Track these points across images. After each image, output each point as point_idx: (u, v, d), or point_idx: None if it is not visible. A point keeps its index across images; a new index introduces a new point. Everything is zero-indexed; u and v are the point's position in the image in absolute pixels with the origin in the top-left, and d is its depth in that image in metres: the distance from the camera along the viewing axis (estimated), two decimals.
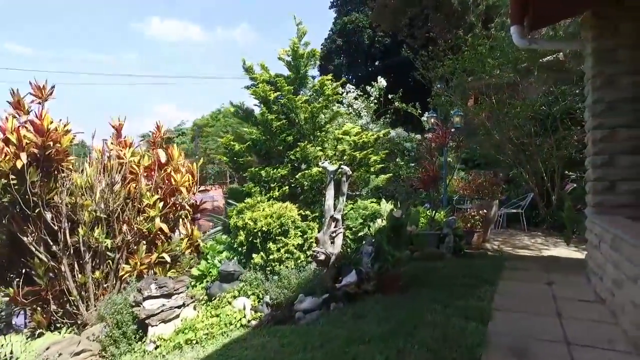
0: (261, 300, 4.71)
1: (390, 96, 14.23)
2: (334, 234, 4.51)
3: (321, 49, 28.48)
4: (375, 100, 15.46)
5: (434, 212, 6.48)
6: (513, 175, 10.27)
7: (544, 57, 9.59)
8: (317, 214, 5.93)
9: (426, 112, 11.84)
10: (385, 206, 6.17)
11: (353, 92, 15.88)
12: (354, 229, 5.48)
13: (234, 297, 4.88)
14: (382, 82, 14.85)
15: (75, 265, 5.67)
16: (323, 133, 6.46)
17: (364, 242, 4.48)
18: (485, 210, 6.76)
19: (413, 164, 13.56)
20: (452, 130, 12.06)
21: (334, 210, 4.55)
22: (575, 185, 5.53)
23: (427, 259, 6.03)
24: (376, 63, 26.78)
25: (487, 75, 9.01)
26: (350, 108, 15.83)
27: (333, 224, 4.50)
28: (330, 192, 4.37)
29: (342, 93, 16.50)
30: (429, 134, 10.39)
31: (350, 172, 4.43)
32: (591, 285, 4.25)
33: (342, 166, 4.61)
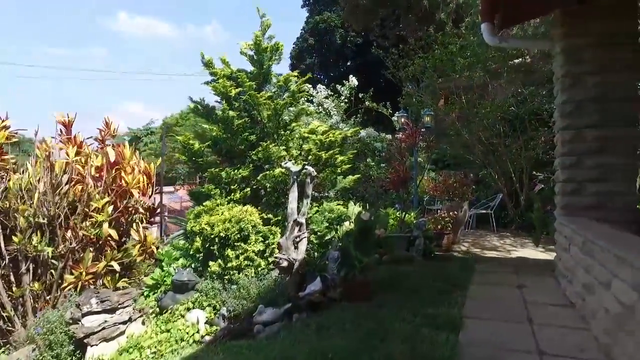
0: (217, 313, 4.39)
1: (360, 95, 14.13)
2: (297, 239, 4.28)
3: (293, 48, 28.34)
4: (346, 100, 15.35)
5: (403, 213, 6.36)
6: (483, 176, 10.37)
7: (513, 60, 9.74)
8: (280, 218, 5.66)
9: (397, 112, 11.83)
10: (354, 208, 6.00)
11: (324, 91, 15.69)
12: (319, 233, 5.24)
13: (188, 309, 4.53)
14: (353, 81, 14.74)
15: (12, 277, 5.16)
16: (288, 132, 6.18)
17: (329, 247, 4.27)
18: (455, 212, 6.71)
19: (384, 165, 13.52)
20: (423, 130, 12.09)
21: (298, 214, 4.31)
22: (543, 186, 5.56)
23: (397, 263, 5.90)
24: (348, 63, 26.78)
25: (458, 75, 9.03)
26: (320, 107, 15.65)
27: (297, 228, 4.27)
28: (293, 194, 4.13)
29: (311, 91, 16.33)
30: (399, 134, 10.35)
31: (315, 173, 4.21)
32: (561, 289, 4.21)
33: (306, 167, 4.37)
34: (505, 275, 5.12)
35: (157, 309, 4.85)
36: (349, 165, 6.37)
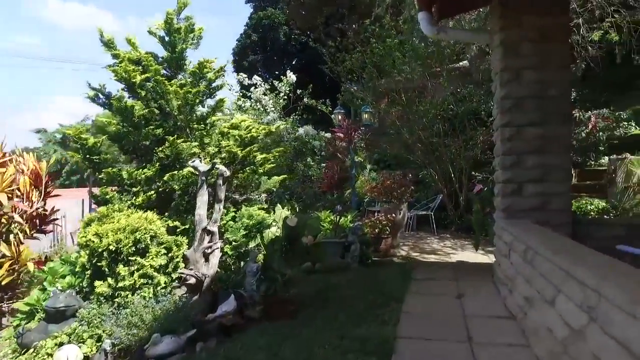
0: (100, 347, 3.61)
1: (299, 91, 13.69)
2: (208, 251, 3.68)
3: (236, 44, 27.67)
4: (285, 97, 14.85)
5: (338, 217, 5.95)
6: (423, 176, 10.33)
7: (453, 64, 9.81)
8: (189, 226, 4.97)
9: (335, 109, 11.51)
10: (281, 212, 5.48)
11: (262, 87, 15.07)
12: (235, 242, 4.65)
13: (60, 344, 3.70)
14: (291, 77, 14.26)
15: None
16: (203, 126, 5.48)
17: (248, 258, 3.73)
18: (393, 214, 6.44)
19: (324, 164, 13.20)
20: (363, 128, 11.90)
21: (209, 221, 3.72)
22: (482, 186, 5.45)
23: (331, 272, 5.49)
24: (294, 62, 26.33)
25: (397, 71, 8.85)
26: (258, 104, 15.01)
27: (207, 238, 3.66)
28: (202, 198, 3.53)
29: (246, 84, 15.65)
30: (335, 131, 9.97)
31: (228, 173, 3.63)
32: (501, 297, 3.98)
33: (217, 166, 3.77)
34: (444, 283, 4.86)
35: (18, 348, 3.89)
36: (272, 165, 5.79)
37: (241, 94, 15.15)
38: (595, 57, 6.69)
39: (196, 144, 5.12)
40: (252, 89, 15.24)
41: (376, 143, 12.25)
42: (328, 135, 12.05)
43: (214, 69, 5.27)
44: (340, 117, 8.07)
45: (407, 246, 7.65)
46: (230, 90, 15.34)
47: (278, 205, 6.01)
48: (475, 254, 6.60)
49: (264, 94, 14.98)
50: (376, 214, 6.61)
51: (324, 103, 13.33)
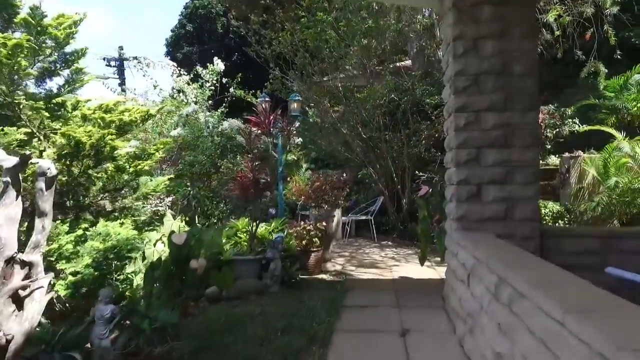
0: None
1: (225, 80, 12.33)
2: (24, 292, 2.40)
3: (170, 35, 25.97)
4: (212, 87, 13.41)
5: (254, 226, 4.83)
6: (362, 176, 9.49)
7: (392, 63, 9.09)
8: None
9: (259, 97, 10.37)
10: (172, 225, 4.25)
11: (185, 75, 13.51)
12: (81, 275, 3.32)
13: None
14: (219, 65, 12.83)
15: None
16: (53, 106, 3.98)
17: (99, 298, 2.51)
18: (325, 222, 5.44)
19: (257, 163, 11.98)
20: (296, 122, 10.87)
21: (26, 247, 2.43)
22: (429, 188, 4.66)
23: (243, 298, 4.39)
24: (233, 57, 24.80)
25: (331, 51, 7.88)
26: (181, 94, 13.44)
27: (22, 273, 2.38)
28: (6, 211, 2.25)
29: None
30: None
31: (55, 172, 2.39)
32: (456, 337, 3.07)
33: (36, 160, 2.48)
34: (384, 312, 3.93)
35: None
36: (148, 162, 4.44)
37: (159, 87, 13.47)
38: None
39: (26, 130, 3.61)
40: (174, 76, 13.64)
41: (301, 134, 11.32)
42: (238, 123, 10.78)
43: (65, 26, 3.82)
44: (264, 105, 6.98)
45: (343, 257, 6.71)
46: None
47: (167, 214, 4.75)
48: (420, 267, 5.79)
49: (188, 84, 13.45)
50: (303, 223, 5.57)
51: (254, 95, 12.08)
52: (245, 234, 5.23)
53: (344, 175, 6.52)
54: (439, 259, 5.41)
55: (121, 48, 22.18)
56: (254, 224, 4.91)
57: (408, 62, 10.94)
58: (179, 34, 26.17)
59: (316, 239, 5.28)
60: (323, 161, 13.23)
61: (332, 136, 9.47)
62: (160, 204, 6.04)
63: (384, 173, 8.71)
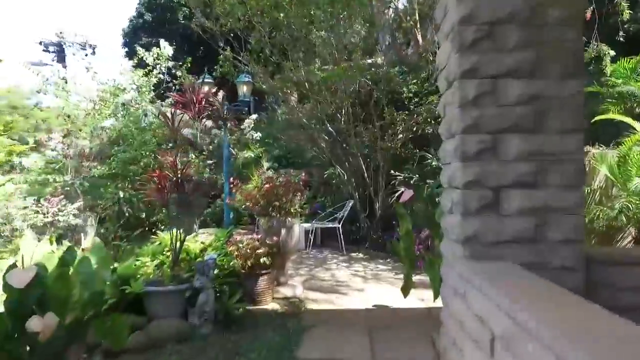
0: None
1: (171, 64, 10.89)
2: None
3: (127, 24, 24.18)
4: (161, 74, 11.95)
5: (178, 240, 3.60)
6: (329, 176, 8.38)
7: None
8: None
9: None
10: (35, 250, 2.97)
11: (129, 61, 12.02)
12: None
13: None
14: (166, 49, 11.37)
15: None
16: None
17: None
18: (278, 235, 4.26)
19: (211, 162, 10.71)
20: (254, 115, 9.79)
21: None
22: (413, 192, 3.62)
23: (158, 346, 3.16)
24: (199, 52, 23.25)
25: (290, 18, 6.68)
26: (114, 81, 11.86)
27: None
28: None
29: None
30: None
31: None
32: None
33: None
34: None
35: None
36: None
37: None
38: None
39: None
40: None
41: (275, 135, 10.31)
42: (208, 123, 9.47)
43: None
44: (207, 88, 5.77)
45: (303, 277, 5.56)
46: None
47: (26, 233, 3.49)
48: (397, 289, 4.72)
49: (132, 71, 11.92)
50: (251, 236, 4.37)
51: (217, 90, 10.75)
52: (163, 254, 3.99)
53: (303, 175, 5.37)
54: (422, 277, 4.35)
55: (61, 32, 20.14)
56: (180, 238, 3.67)
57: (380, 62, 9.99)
58: (136, 24, 24.53)
59: (265, 258, 4.09)
60: (287, 159, 12.15)
61: (296, 131, 8.34)
62: (60, 213, 4.68)
63: (353, 172, 7.64)
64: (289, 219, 4.63)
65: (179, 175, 3.60)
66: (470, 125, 2.23)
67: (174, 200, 3.70)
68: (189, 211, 3.83)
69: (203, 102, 3.95)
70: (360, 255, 7.04)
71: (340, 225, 7.15)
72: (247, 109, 6.73)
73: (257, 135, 11.02)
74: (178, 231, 3.73)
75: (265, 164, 12.28)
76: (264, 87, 7.60)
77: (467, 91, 2.24)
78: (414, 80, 7.14)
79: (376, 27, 8.15)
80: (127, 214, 6.72)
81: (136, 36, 24.10)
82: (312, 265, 6.28)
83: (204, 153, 11.48)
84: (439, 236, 2.84)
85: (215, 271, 4.00)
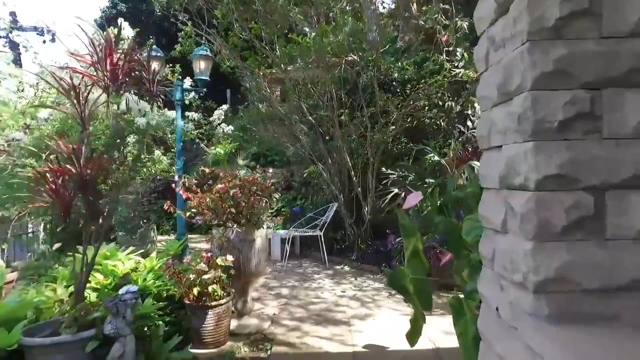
0: None
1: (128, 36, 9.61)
2: None
3: (100, 16, 22.93)
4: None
5: (85, 262, 2.52)
6: (310, 175, 7.34)
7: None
8: None
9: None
10: None
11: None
12: None
13: None
14: (124, 28, 10.14)
15: None
16: None
17: None
18: (230, 257, 3.20)
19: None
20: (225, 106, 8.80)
21: None
22: (417, 193, 2.66)
23: None
24: (178, 46, 22.01)
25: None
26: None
27: None
28: None
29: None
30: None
31: None
32: None
33: None
34: None
35: None
36: None
37: None
38: None
39: None
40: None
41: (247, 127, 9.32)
42: (170, 112, 8.29)
43: None
44: (156, 65, 4.71)
45: (276, 301, 4.52)
46: None
47: None
48: (404, 317, 3.73)
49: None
50: (204, 256, 3.29)
51: (172, 69, 9.57)
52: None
53: (270, 172, 4.31)
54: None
55: (14, 15, 18.56)
56: (87, 260, 2.58)
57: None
58: (109, 14, 23.28)
59: (216, 285, 3.03)
60: (266, 157, 11.14)
61: (270, 124, 7.30)
62: None
63: (338, 170, 6.61)
64: (255, 230, 3.58)
65: (86, 172, 2.52)
66: (553, 72, 1.21)
67: (77, 206, 2.62)
68: (97, 221, 2.73)
69: (122, 66, 2.86)
70: (346, 268, 6.02)
71: (322, 233, 6.11)
72: (205, 90, 5.61)
73: (229, 128, 9.92)
74: (88, 248, 2.64)
75: (241, 162, 11.20)
76: (230, 66, 6.50)
77: (547, 9, 1.22)
78: (411, 60, 6.18)
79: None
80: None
81: (110, 26, 22.86)
82: (287, 284, 5.24)
83: (172, 150, 10.33)
84: (469, 265, 1.82)
85: (151, 302, 2.93)
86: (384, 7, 7.38)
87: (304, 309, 4.24)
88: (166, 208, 3.75)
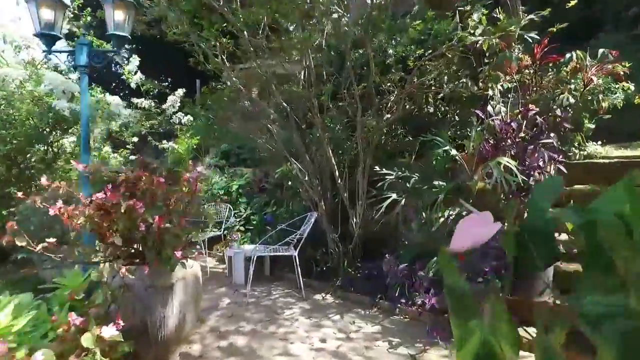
0: None
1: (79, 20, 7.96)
2: None
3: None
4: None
5: None
6: (282, 175, 5.92)
7: None
8: None
9: None
10: None
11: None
12: None
13: None
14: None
15: None
16: None
17: None
18: (121, 323, 1.77)
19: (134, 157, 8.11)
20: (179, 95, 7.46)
21: None
22: (485, 214, 1.50)
23: None
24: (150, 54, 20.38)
25: None
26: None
27: None
28: None
29: None
30: None
31: None
32: None
33: None
34: None
35: None
36: None
37: None
38: None
39: None
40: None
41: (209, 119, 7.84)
42: (113, 98, 6.73)
43: None
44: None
45: (226, 357, 3.09)
46: None
47: None
48: None
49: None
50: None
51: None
52: None
53: (200, 168, 2.91)
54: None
55: None
56: None
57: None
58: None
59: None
60: (238, 155, 9.76)
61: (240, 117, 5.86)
62: None
63: (317, 170, 5.18)
64: (171, 270, 2.14)
65: None
66: None
67: None
68: None
69: None
70: (329, 299, 4.60)
71: (296, 253, 4.69)
72: (127, 59, 4.17)
73: (187, 118, 8.41)
74: None
75: (208, 160, 9.74)
76: (177, 33, 5.02)
77: None
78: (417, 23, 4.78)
79: None
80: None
81: (75, 16, 21.17)
82: (246, 327, 3.80)
83: (128, 147, 8.83)
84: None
85: None
86: None
87: None
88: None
